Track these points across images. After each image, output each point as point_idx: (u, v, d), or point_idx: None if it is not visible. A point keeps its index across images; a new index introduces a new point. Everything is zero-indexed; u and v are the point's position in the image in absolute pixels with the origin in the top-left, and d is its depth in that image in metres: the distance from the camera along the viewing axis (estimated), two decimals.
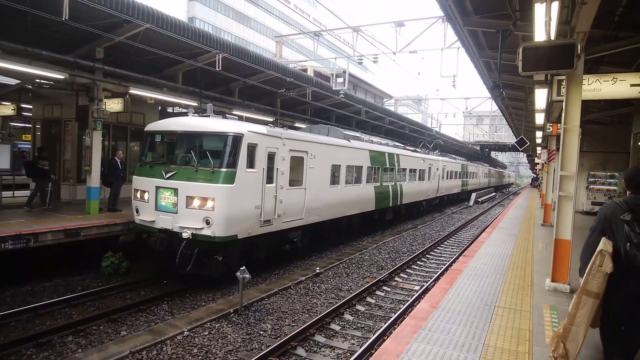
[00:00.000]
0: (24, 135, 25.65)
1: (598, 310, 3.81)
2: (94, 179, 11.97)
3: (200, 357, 6.23)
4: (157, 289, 9.39)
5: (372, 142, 17.42)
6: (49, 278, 9.57)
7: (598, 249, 3.73)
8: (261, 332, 7.21)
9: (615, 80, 7.48)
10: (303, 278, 10.25)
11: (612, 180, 17.75)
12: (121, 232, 10.82)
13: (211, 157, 9.02)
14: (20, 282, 9.17)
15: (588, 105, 13.00)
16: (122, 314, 7.90)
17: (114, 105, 12.16)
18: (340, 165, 13.66)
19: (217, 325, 7.34)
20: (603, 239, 3.80)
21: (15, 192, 14.09)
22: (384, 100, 49.65)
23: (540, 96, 10.65)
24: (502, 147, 58.11)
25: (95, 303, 8.51)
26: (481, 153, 58.23)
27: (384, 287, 10.11)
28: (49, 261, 9.69)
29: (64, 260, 9.97)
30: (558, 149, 13.89)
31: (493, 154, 71.89)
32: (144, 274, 10.23)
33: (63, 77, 10.67)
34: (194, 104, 13.84)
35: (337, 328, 7.56)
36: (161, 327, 7.15)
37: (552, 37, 6.24)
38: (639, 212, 3.73)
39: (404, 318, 6.45)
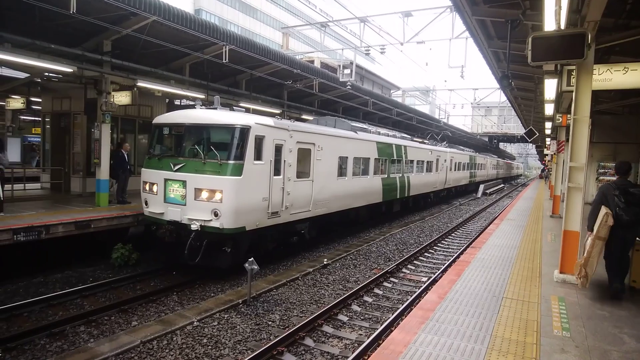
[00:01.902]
0: (33, 129, 25.89)
1: (602, 249, 6.08)
2: (104, 171, 12.07)
3: (209, 347, 6.32)
4: (166, 280, 9.51)
5: (379, 133, 17.38)
6: (61, 269, 9.73)
7: (604, 212, 5.93)
8: (270, 323, 7.29)
9: (626, 69, 7.37)
10: (311, 269, 10.32)
11: None
12: (131, 224, 10.94)
13: (219, 149, 9.07)
14: (32, 273, 9.34)
15: (598, 96, 12.83)
16: (132, 304, 8.04)
17: (122, 98, 12.23)
18: (347, 157, 13.66)
19: (226, 315, 7.44)
20: (602, 207, 6.02)
21: (26, 184, 14.25)
22: (392, 91, 49.38)
23: (550, 86, 10.53)
24: (511, 138, 57.72)
25: (106, 294, 8.65)
26: (489, 144, 57.84)
27: (392, 279, 10.15)
28: (61, 253, 9.85)
29: (75, 251, 10.12)
30: (567, 140, 13.76)
31: (501, 145, 71.37)
32: (153, 265, 10.36)
33: (71, 70, 10.75)
34: (201, 96, 13.88)
35: (345, 319, 7.63)
36: (171, 318, 7.26)
37: (562, 27, 6.16)
38: (622, 189, 6.04)
39: (412, 309, 6.50)
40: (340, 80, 18.21)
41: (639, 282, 6.65)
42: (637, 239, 6.38)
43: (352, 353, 6.10)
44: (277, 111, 17.37)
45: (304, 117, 19.17)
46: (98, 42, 11.35)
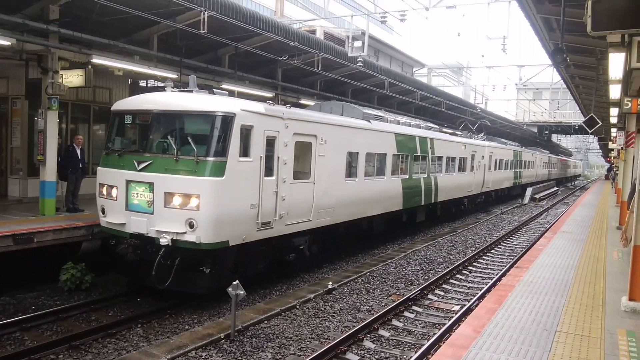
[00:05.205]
0: None
1: None
2: (50, 171, 12.09)
3: None
4: (129, 308, 9.52)
5: (399, 123, 17.41)
6: None
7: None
8: None
9: None
10: (312, 295, 10.33)
11: None
12: (84, 238, 10.97)
13: (195, 143, 9.08)
14: None
15: None
16: (86, 339, 8.02)
17: (72, 78, 12.29)
18: (358, 153, 13.68)
19: (204, 354, 7.43)
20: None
21: None
22: (414, 69, 49.46)
23: (616, 63, 10.48)
24: (566, 129, 57.56)
25: (53, 326, 8.65)
26: (539, 137, 57.77)
27: (414, 307, 10.16)
28: None
29: (13, 273, 10.14)
30: (639, 131, 13.67)
31: (554, 137, 71.27)
32: (112, 290, 10.39)
33: (9, 43, 10.79)
34: (173, 75, 13.90)
35: (355, 359, 7.62)
36: (135, 357, 7.26)
37: None
38: None
39: (440, 346, 6.49)
40: (349, 55, 18.24)
41: None
42: None
43: None
44: (270, 95, 17.42)
45: (303, 102, 19.23)
46: (43, 8, 11.39)
